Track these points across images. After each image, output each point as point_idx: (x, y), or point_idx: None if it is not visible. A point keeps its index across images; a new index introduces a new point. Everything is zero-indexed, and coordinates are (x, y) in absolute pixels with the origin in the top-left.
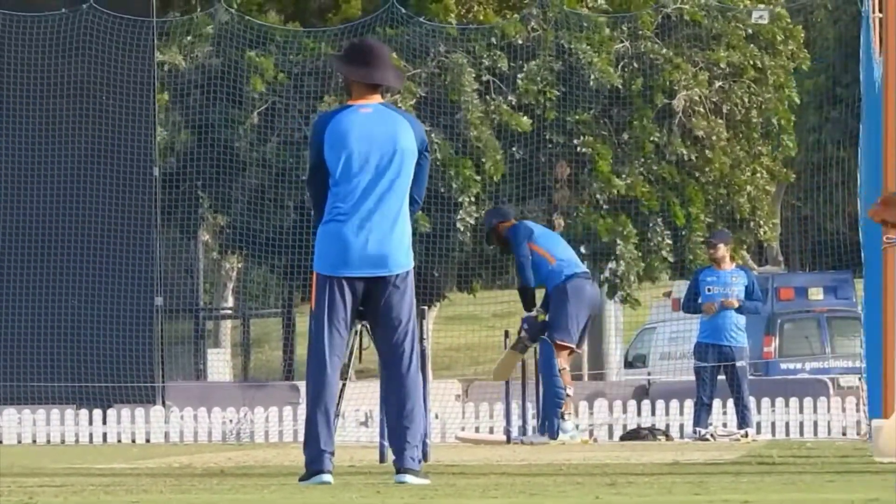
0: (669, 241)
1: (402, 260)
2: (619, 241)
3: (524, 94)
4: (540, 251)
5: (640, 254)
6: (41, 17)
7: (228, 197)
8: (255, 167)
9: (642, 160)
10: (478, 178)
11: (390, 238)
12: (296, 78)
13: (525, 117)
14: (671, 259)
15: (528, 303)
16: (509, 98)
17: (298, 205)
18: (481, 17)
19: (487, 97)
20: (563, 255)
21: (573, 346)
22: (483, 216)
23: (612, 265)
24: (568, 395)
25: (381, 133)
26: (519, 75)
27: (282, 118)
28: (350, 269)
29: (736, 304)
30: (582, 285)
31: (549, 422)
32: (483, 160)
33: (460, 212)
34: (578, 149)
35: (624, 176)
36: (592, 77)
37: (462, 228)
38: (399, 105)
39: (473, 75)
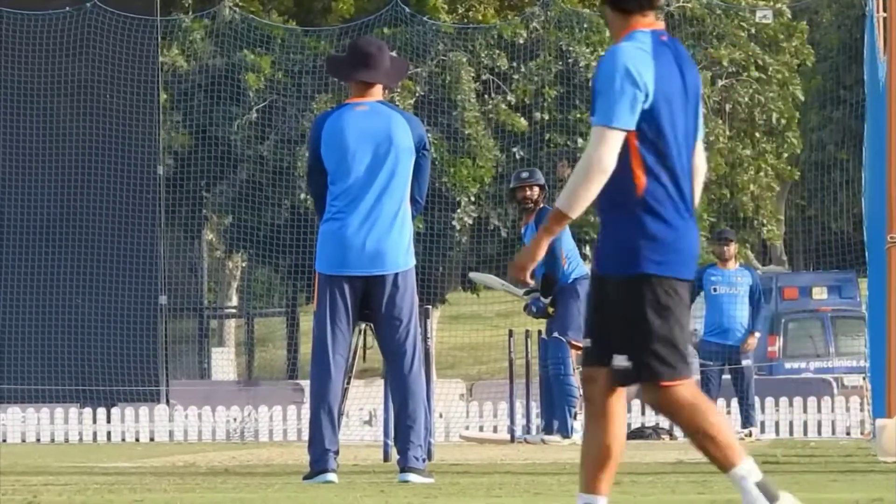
0: None
1: (401, 259)
2: None
3: (522, 94)
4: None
5: None
6: (45, 16)
7: (232, 196)
8: (255, 165)
9: None
10: (475, 178)
11: (388, 236)
12: (295, 76)
13: (522, 118)
14: None
15: (548, 291)
16: (508, 98)
17: (297, 203)
18: (480, 17)
19: (486, 96)
20: (572, 256)
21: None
22: (530, 171)
23: None
24: (580, 395)
25: (375, 130)
26: (515, 76)
27: (281, 116)
28: (349, 267)
29: (754, 346)
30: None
31: (562, 421)
32: (482, 160)
33: (458, 211)
34: (579, 150)
35: None
36: (591, 79)
37: (459, 228)
38: (397, 103)
39: (472, 74)
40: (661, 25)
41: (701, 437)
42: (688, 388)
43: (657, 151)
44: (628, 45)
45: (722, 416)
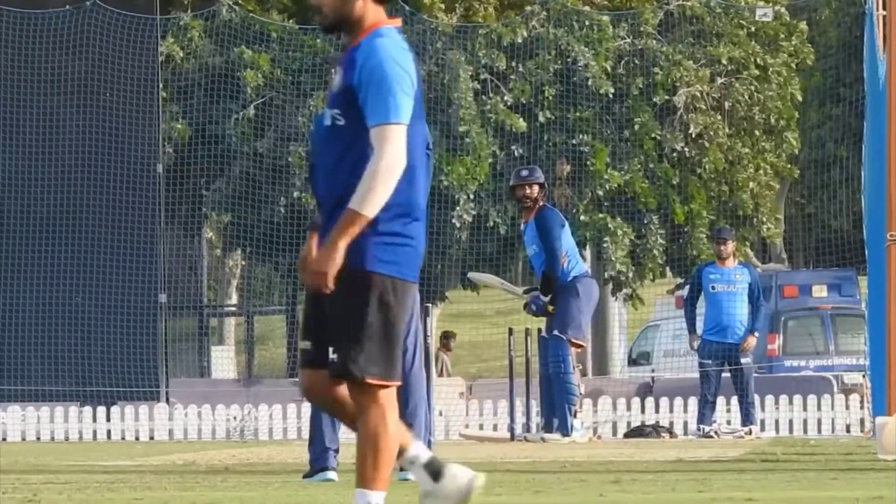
0: (663, 242)
1: None
2: (606, 240)
3: (521, 94)
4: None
5: (631, 252)
6: (46, 14)
7: (229, 193)
8: (252, 162)
9: (642, 157)
10: (474, 176)
11: None
12: (293, 74)
13: (521, 119)
14: (661, 261)
15: (548, 289)
16: (506, 98)
17: (293, 201)
18: (480, 18)
19: (484, 96)
20: (572, 254)
21: (584, 343)
22: (529, 170)
23: (618, 266)
24: (580, 393)
25: None
26: (513, 76)
27: (279, 114)
28: None
29: (753, 346)
30: (591, 286)
31: (562, 419)
32: (476, 160)
33: (457, 208)
34: (578, 148)
35: (623, 172)
36: (590, 78)
37: (459, 226)
38: None
39: (471, 73)
40: (399, 21)
41: (371, 446)
42: (391, 395)
43: (406, 149)
44: (388, 42)
45: (395, 445)
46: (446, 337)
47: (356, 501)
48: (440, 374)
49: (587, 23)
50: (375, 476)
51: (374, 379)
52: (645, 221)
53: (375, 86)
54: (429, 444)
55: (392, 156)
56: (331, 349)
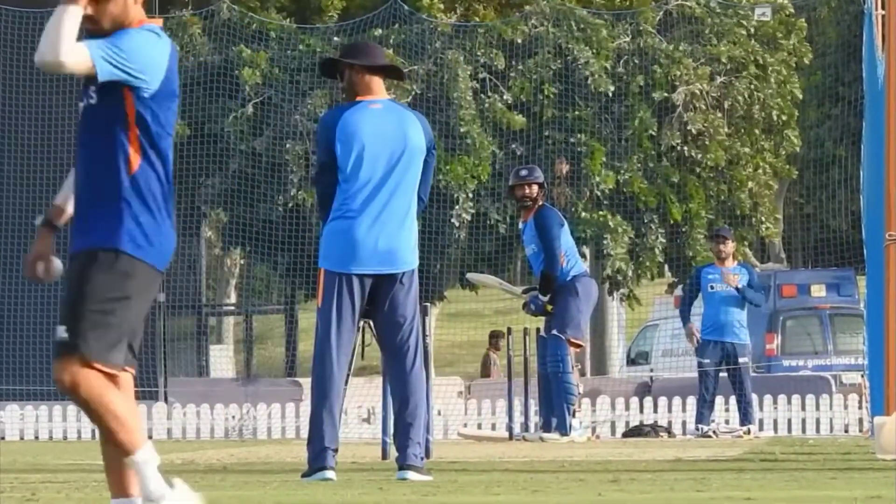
0: (664, 241)
1: (409, 258)
2: (606, 237)
3: (520, 92)
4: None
5: (630, 251)
6: (45, 14)
7: (225, 189)
8: (249, 160)
9: (642, 157)
10: (474, 175)
11: (399, 235)
12: (291, 73)
13: (520, 116)
14: (661, 259)
15: (547, 289)
16: (505, 97)
17: (288, 199)
18: (478, 17)
19: (483, 95)
20: (571, 254)
21: (583, 343)
22: (529, 169)
23: (617, 264)
24: (579, 393)
25: (391, 130)
26: (512, 74)
27: (277, 112)
28: (359, 265)
29: (735, 281)
30: (590, 285)
31: (561, 419)
32: (477, 159)
33: (456, 207)
34: (576, 147)
35: (623, 171)
36: (589, 77)
37: (458, 225)
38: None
39: (469, 72)
40: (160, 21)
41: (106, 416)
42: (101, 378)
43: (154, 138)
44: (150, 34)
45: (129, 404)
46: (495, 336)
47: (137, 471)
48: (489, 375)
49: (581, 26)
50: (131, 437)
51: (107, 366)
52: (645, 221)
53: (112, 40)
54: (427, 444)
55: (63, 50)
56: (60, 327)
